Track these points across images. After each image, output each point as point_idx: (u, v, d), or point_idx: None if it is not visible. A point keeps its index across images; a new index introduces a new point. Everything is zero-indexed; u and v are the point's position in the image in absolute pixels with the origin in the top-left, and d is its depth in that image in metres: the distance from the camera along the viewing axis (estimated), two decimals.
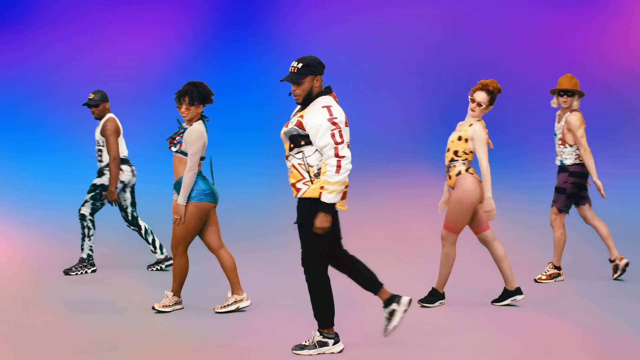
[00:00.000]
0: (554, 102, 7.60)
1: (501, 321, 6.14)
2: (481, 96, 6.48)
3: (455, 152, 6.49)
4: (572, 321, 6.08)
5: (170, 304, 6.40)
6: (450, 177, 6.53)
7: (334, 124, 5.05)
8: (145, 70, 12.02)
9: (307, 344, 5.26)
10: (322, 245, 5.18)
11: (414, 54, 11.81)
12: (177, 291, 6.45)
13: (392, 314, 5.32)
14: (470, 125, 6.49)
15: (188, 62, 12.01)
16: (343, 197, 5.21)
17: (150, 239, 8.14)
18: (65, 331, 5.87)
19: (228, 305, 6.39)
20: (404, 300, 5.33)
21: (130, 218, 8.13)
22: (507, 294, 6.60)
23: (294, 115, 5.27)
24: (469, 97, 6.53)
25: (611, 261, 7.64)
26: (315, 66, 5.15)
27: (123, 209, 8.12)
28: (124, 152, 8.06)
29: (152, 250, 8.17)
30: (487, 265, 7.94)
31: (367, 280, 5.34)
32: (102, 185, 8.01)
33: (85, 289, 7.29)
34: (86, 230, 7.97)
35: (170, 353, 5.38)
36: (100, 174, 8.05)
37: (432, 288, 6.65)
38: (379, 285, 5.35)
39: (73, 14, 12.07)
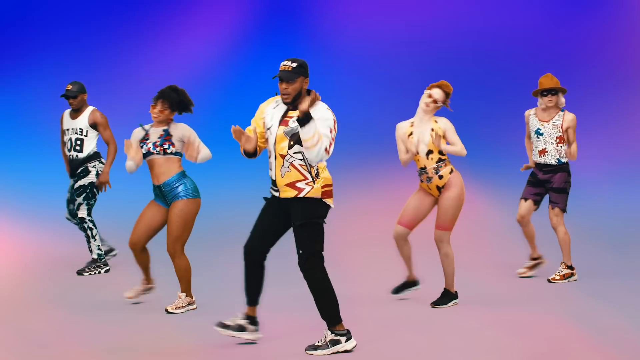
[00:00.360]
0: (540, 103, 7.57)
1: (515, 321, 6.09)
2: (439, 94, 6.52)
3: (441, 152, 6.52)
4: (585, 321, 6.03)
5: (184, 305, 6.40)
6: (441, 176, 6.53)
7: (334, 125, 5.15)
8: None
9: (320, 344, 5.23)
10: (321, 245, 5.23)
11: (408, 50, 11.81)
12: (187, 291, 6.46)
13: (241, 328, 5.40)
14: (435, 121, 6.53)
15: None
16: (330, 196, 5.25)
17: (95, 234, 8.16)
18: (75, 332, 5.88)
19: (138, 294, 6.62)
20: (257, 333, 5.44)
21: (76, 214, 8.11)
22: (408, 284, 6.83)
23: (284, 116, 5.20)
24: (427, 92, 6.52)
25: (534, 259, 7.74)
26: (306, 68, 5.22)
27: (73, 202, 8.10)
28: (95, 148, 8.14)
29: (100, 246, 8.17)
30: (497, 266, 7.96)
31: (255, 290, 5.41)
32: (90, 183, 8.01)
33: (97, 289, 7.31)
34: (89, 232, 7.99)
35: (177, 354, 5.38)
36: (86, 172, 8.02)
37: (444, 289, 6.64)
38: (257, 302, 5.44)
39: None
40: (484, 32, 11.90)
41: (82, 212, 7.98)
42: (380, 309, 6.47)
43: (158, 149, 6.36)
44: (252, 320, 5.44)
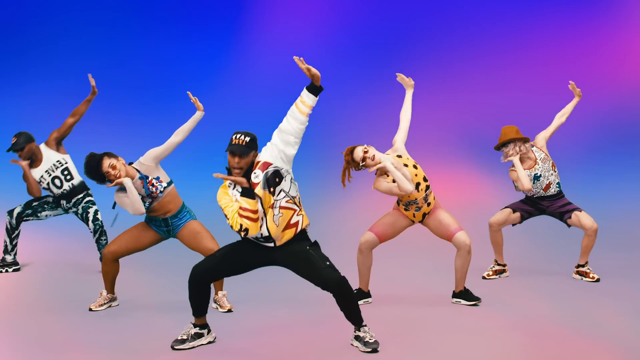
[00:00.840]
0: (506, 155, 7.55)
1: (534, 322, 6.05)
2: (371, 150, 6.31)
3: (425, 179, 6.48)
4: (604, 322, 6.01)
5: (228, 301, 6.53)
6: (429, 203, 6.52)
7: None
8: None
9: (371, 340, 5.30)
10: None
11: (411, 51, 11.86)
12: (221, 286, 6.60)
13: (199, 335, 5.48)
14: (398, 156, 6.43)
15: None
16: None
17: (15, 242, 8.15)
18: (94, 333, 5.88)
19: (104, 303, 6.55)
20: (213, 334, 5.55)
21: (22, 219, 8.10)
22: (363, 294, 6.70)
23: (244, 190, 5.08)
24: (361, 165, 6.33)
25: (498, 264, 7.77)
26: (257, 142, 5.16)
27: (34, 210, 8.12)
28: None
29: (7, 250, 8.13)
30: (513, 269, 7.98)
31: (202, 304, 5.42)
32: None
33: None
34: (105, 232, 8.13)
35: (196, 353, 5.37)
36: (86, 187, 8.18)
37: (465, 288, 6.63)
38: (206, 312, 5.47)
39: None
40: (496, 31, 11.96)
41: (99, 216, 8.12)
42: (400, 309, 6.46)
43: (155, 194, 6.32)
44: (204, 325, 5.53)
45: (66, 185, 8.07)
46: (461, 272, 6.55)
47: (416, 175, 6.42)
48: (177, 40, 12.23)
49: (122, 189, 6.24)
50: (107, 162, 6.16)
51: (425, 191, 6.47)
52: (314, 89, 5.03)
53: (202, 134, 9.28)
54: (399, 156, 6.47)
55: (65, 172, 8.06)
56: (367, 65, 11.97)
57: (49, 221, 9.34)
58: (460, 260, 6.50)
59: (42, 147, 8.09)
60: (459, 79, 11.76)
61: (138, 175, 6.30)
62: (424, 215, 6.55)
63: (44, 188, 8.09)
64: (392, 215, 6.63)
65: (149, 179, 6.31)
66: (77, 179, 8.15)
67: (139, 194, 6.28)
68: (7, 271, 8.11)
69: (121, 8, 12.20)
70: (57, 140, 8.10)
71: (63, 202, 8.17)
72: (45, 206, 8.19)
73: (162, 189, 6.33)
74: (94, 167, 6.15)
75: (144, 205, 6.30)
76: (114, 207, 6.43)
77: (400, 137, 6.60)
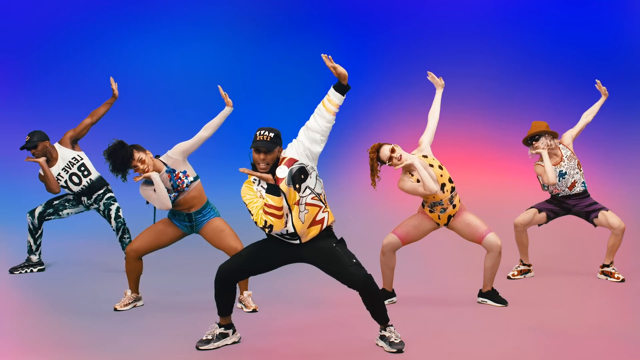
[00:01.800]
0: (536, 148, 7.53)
1: (561, 323, 6.02)
2: (398, 150, 6.29)
3: (451, 180, 6.47)
4: (626, 324, 5.99)
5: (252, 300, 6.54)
6: (455, 205, 6.49)
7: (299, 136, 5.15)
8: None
9: (396, 341, 5.29)
10: None
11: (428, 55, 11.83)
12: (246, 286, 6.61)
13: (223, 335, 5.48)
14: (424, 157, 6.42)
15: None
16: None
17: (39, 242, 8.16)
18: (119, 333, 5.89)
19: (129, 303, 6.56)
20: (238, 334, 5.56)
21: (44, 218, 8.12)
22: (387, 294, 6.67)
23: (269, 187, 5.05)
24: (388, 164, 6.29)
25: (523, 264, 7.74)
26: (281, 137, 5.16)
27: (55, 209, 8.15)
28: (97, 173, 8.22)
29: (32, 250, 8.14)
30: (537, 269, 7.94)
31: (228, 304, 5.41)
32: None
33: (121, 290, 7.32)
34: (127, 229, 8.15)
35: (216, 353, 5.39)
36: (105, 183, 8.21)
37: (493, 289, 6.62)
38: (231, 312, 5.47)
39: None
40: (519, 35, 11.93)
41: (121, 213, 8.15)
42: (425, 309, 6.44)
43: (181, 187, 6.32)
44: (229, 325, 5.53)
45: (84, 182, 8.09)
46: (490, 273, 6.52)
47: (441, 176, 6.40)
48: (202, 38, 12.24)
49: (147, 182, 6.25)
50: (136, 156, 6.15)
51: (451, 192, 6.45)
52: (341, 88, 5.02)
53: (227, 129, 9.29)
54: (425, 156, 6.45)
55: (82, 168, 8.07)
56: (397, 63, 11.94)
57: (73, 220, 9.38)
58: (490, 261, 6.48)
59: (57, 145, 8.09)
60: (483, 78, 11.72)
61: (165, 168, 6.31)
62: (449, 217, 6.53)
63: (62, 186, 8.10)
64: (417, 217, 6.62)
65: (176, 172, 6.32)
66: (95, 174, 8.15)
67: (165, 187, 6.28)
68: (32, 271, 8.16)
69: (145, 6, 12.23)
70: (72, 140, 8.09)
71: (84, 198, 8.19)
72: (67, 204, 8.22)
73: (188, 183, 6.34)
74: (125, 159, 6.10)
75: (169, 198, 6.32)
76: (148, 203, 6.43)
77: (427, 137, 6.58)
